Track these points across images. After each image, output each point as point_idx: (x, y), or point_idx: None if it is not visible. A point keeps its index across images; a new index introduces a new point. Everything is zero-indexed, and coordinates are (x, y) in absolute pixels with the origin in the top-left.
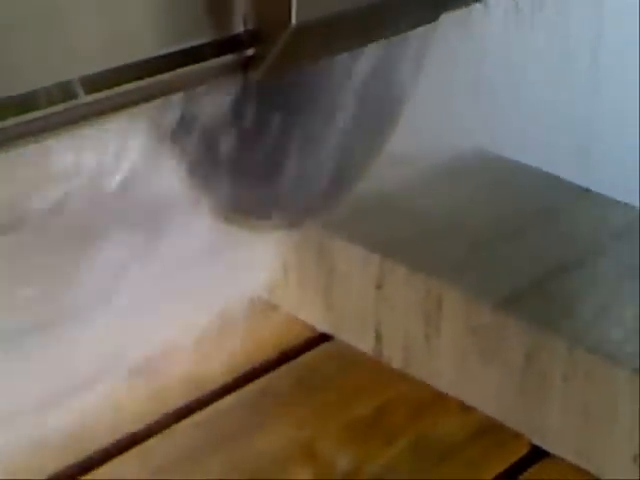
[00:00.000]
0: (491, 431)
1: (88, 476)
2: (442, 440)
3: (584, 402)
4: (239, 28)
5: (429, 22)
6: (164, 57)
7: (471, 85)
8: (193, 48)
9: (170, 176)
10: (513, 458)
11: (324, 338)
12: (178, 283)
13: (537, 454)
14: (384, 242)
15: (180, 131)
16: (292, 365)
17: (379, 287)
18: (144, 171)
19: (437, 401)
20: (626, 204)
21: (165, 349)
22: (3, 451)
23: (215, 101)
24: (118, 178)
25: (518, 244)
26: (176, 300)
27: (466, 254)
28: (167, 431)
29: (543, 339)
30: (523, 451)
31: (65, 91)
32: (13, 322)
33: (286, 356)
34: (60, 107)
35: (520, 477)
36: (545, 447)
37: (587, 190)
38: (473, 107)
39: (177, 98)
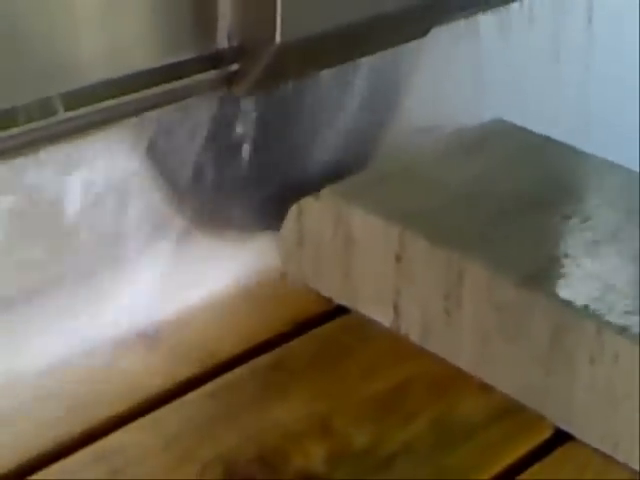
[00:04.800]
0: (513, 412)
1: (98, 443)
2: (462, 420)
3: (611, 385)
4: (223, 44)
5: (418, 38)
6: (147, 72)
7: (487, 58)
8: (177, 64)
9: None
10: (536, 441)
11: (341, 310)
12: (192, 251)
13: (560, 438)
14: (404, 213)
15: (161, 146)
16: (307, 337)
17: (398, 259)
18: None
19: (457, 379)
20: None
21: (178, 317)
22: (8, 414)
23: (197, 115)
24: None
25: (542, 218)
26: (190, 268)
27: (488, 227)
28: (179, 400)
29: (570, 319)
30: (546, 434)
31: (44, 108)
32: (18, 284)
33: (301, 328)
34: (39, 124)
35: (542, 461)
36: (569, 431)
37: (612, 164)
38: (492, 78)
39: (159, 113)
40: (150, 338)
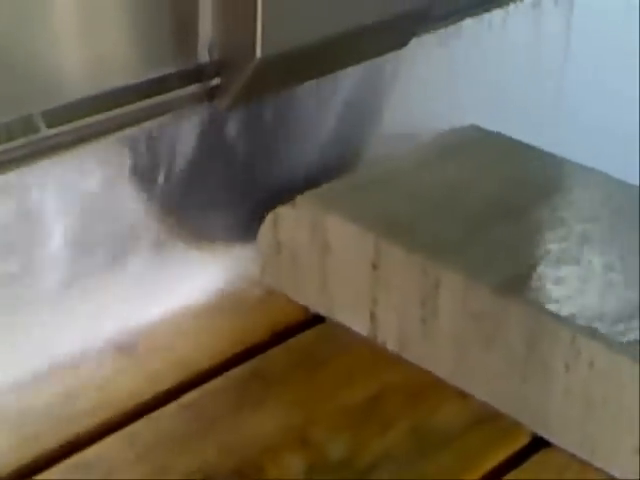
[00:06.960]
0: (490, 420)
1: (73, 458)
2: (440, 428)
3: (587, 392)
4: (204, 59)
5: (398, 48)
6: (129, 88)
7: (460, 66)
8: (158, 79)
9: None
10: (513, 448)
11: (318, 319)
12: (167, 263)
13: (538, 444)
14: (380, 220)
15: (144, 162)
16: (284, 347)
17: (375, 267)
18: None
19: (434, 387)
20: (626, 183)
21: (154, 327)
22: None
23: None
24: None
25: (517, 225)
26: (167, 278)
27: (464, 234)
28: (154, 413)
29: (545, 326)
30: (523, 441)
31: (26, 125)
32: None
33: (278, 337)
34: (21, 141)
35: (520, 467)
36: (546, 437)
37: (586, 168)
38: (465, 85)
39: (141, 128)
40: (127, 349)
